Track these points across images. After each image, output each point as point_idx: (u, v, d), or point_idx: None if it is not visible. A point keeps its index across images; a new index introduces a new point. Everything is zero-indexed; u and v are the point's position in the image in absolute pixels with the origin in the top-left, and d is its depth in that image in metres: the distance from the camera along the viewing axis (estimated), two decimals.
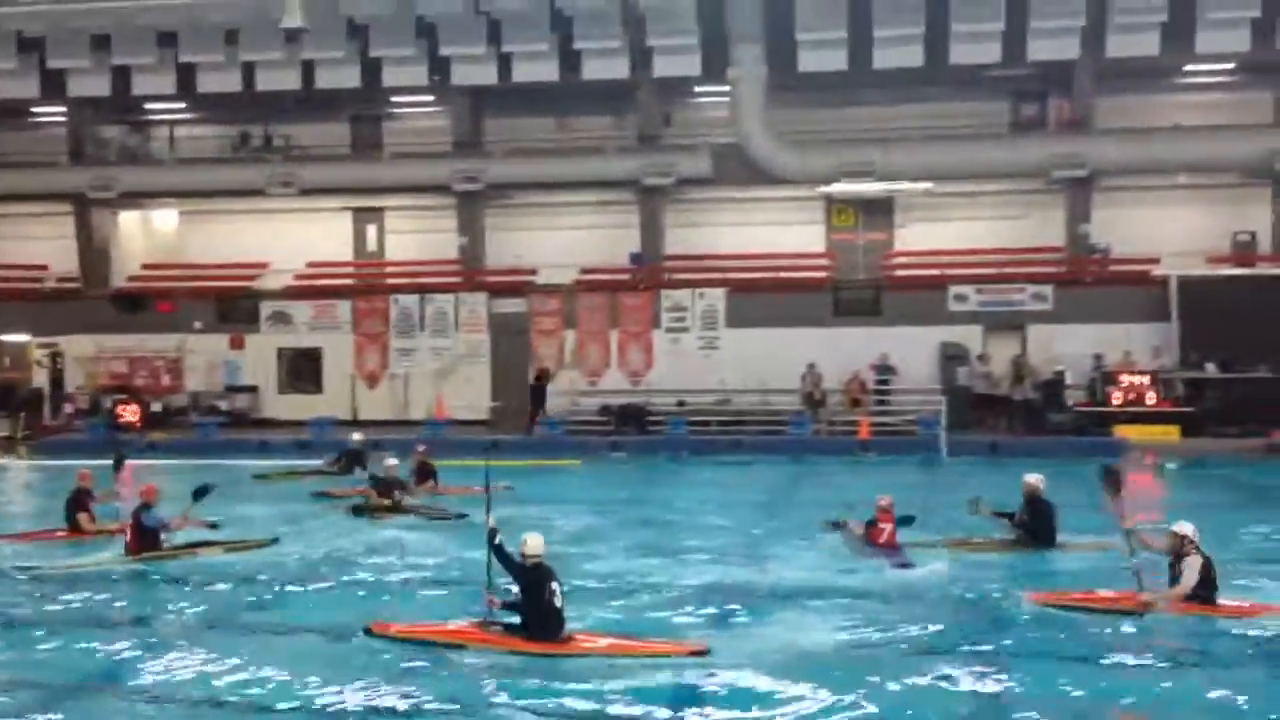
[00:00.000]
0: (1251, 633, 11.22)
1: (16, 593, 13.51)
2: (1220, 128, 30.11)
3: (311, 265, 33.97)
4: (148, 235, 36.28)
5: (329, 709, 9.50)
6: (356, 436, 23.81)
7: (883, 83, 30.78)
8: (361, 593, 13.49)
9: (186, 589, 13.55)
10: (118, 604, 13.09)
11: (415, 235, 34.48)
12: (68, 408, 32.03)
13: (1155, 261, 29.55)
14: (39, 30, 31.44)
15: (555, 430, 28.56)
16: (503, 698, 9.65)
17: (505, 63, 31.29)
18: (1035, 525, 15.05)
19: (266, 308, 32.63)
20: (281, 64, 31.58)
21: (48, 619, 12.27)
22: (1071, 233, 30.73)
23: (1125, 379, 27.62)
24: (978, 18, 28.89)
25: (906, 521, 15.00)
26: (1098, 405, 27.61)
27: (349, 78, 31.80)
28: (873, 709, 9.30)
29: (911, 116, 31.35)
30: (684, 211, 32.93)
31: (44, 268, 34.83)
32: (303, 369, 32.44)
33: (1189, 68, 30.37)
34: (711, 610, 12.39)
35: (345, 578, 14.17)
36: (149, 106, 34.93)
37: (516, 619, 10.88)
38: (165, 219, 36.32)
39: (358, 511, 18.29)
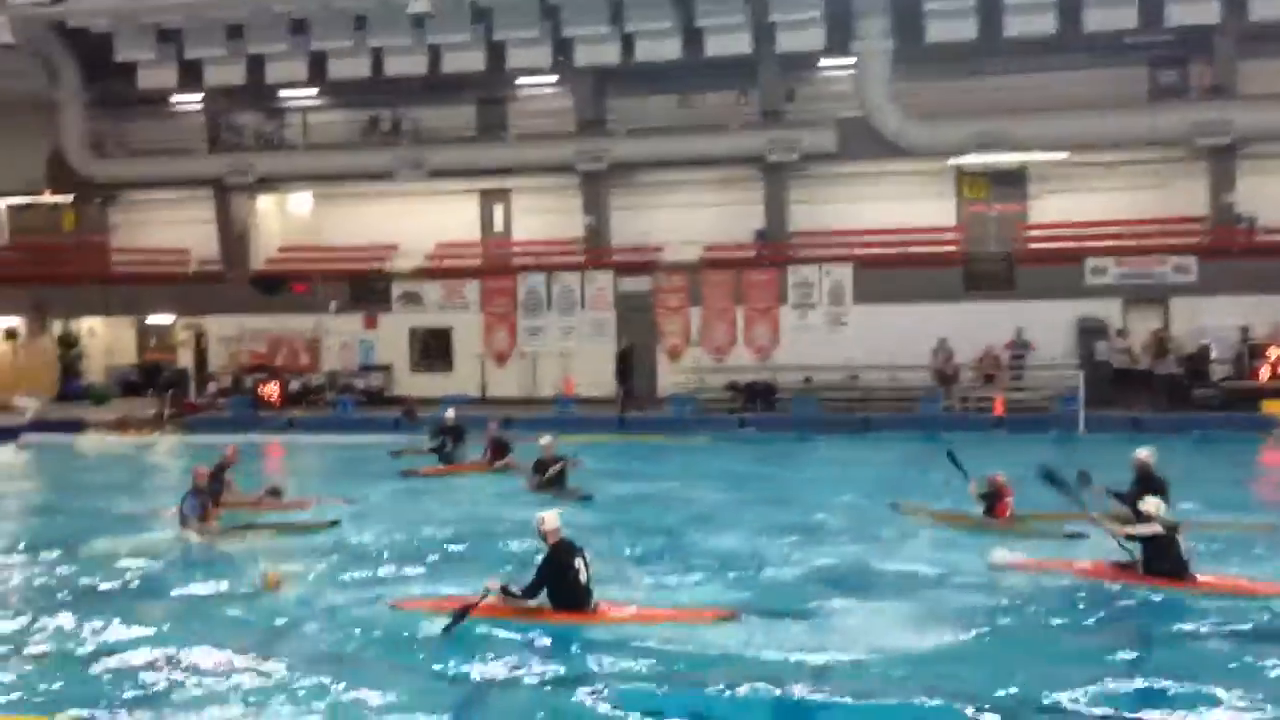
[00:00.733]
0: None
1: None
2: None
3: (440, 246, 34.53)
4: (284, 219, 37.28)
5: (357, 684, 9.47)
6: (450, 413, 23.73)
7: (1014, 51, 30.11)
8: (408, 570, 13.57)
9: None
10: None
11: (541, 215, 34.79)
12: (211, 386, 33.06)
13: None
14: (177, 22, 32.36)
15: (682, 407, 28.58)
16: (533, 667, 9.81)
17: (628, 42, 31.31)
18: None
19: (398, 288, 33.25)
20: (409, 49, 32.05)
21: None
22: (1215, 202, 29.70)
23: (1274, 352, 26.64)
24: None
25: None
26: (1244, 380, 26.69)
27: (474, 61, 32.13)
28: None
29: (1044, 85, 30.53)
30: (809, 187, 32.62)
31: (187, 251, 35.95)
32: (433, 348, 33.00)
33: None
34: (826, 590, 12.18)
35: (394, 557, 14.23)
36: (282, 94, 35.77)
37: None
38: (300, 203, 37.25)
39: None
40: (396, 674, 9.80)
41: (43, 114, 34.98)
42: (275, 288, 33.96)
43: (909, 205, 31.82)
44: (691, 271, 31.48)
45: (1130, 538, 12.12)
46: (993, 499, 15.09)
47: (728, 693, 9.12)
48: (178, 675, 9.85)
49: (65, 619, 11.45)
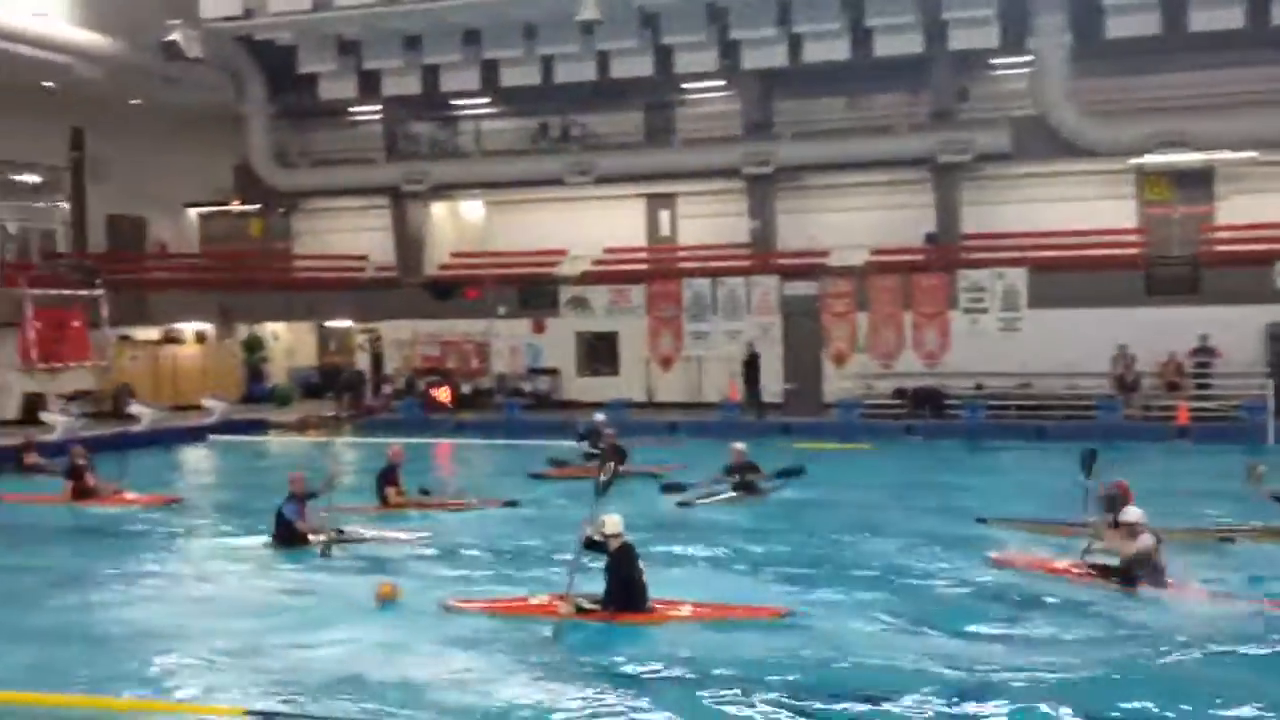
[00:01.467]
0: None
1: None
2: None
3: (608, 251, 34.84)
4: (456, 225, 38.16)
5: (410, 683, 9.53)
6: (600, 417, 23.95)
7: (1199, 46, 28.79)
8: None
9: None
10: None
11: (707, 219, 34.79)
12: (386, 389, 33.99)
13: None
14: (357, 34, 33.39)
15: (849, 413, 28.20)
16: (592, 664, 9.87)
17: (796, 44, 31.07)
18: None
19: (565, 293, 33.64)
20: (578, 56, 32.43)
21: None
22: None
23: None
24: None
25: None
26: None
27: (642, 66, 32.32)
28: None
29: (1231, 81, 29.17)
30: (981, 189, 31.85)
31: (364, 258, 37.08)
32: (600, 352, 33.28)
33: None
34: (986, 609, 11.75)
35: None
36: (456, 102, 36.60)
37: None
38: (472, 209, 38.08)
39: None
40: (446, 675, 9.85)
41: (231, 126, 36.55)
42: (447, 293, 34.74)
43: (1087, 207, 30.78)
44: (859, 275, 31.05)
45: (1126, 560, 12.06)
46: (1117, 506, 14.28)
47: (780, 693, 9.15)
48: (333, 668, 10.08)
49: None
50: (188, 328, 35.75)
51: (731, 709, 8.93)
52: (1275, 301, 27.41)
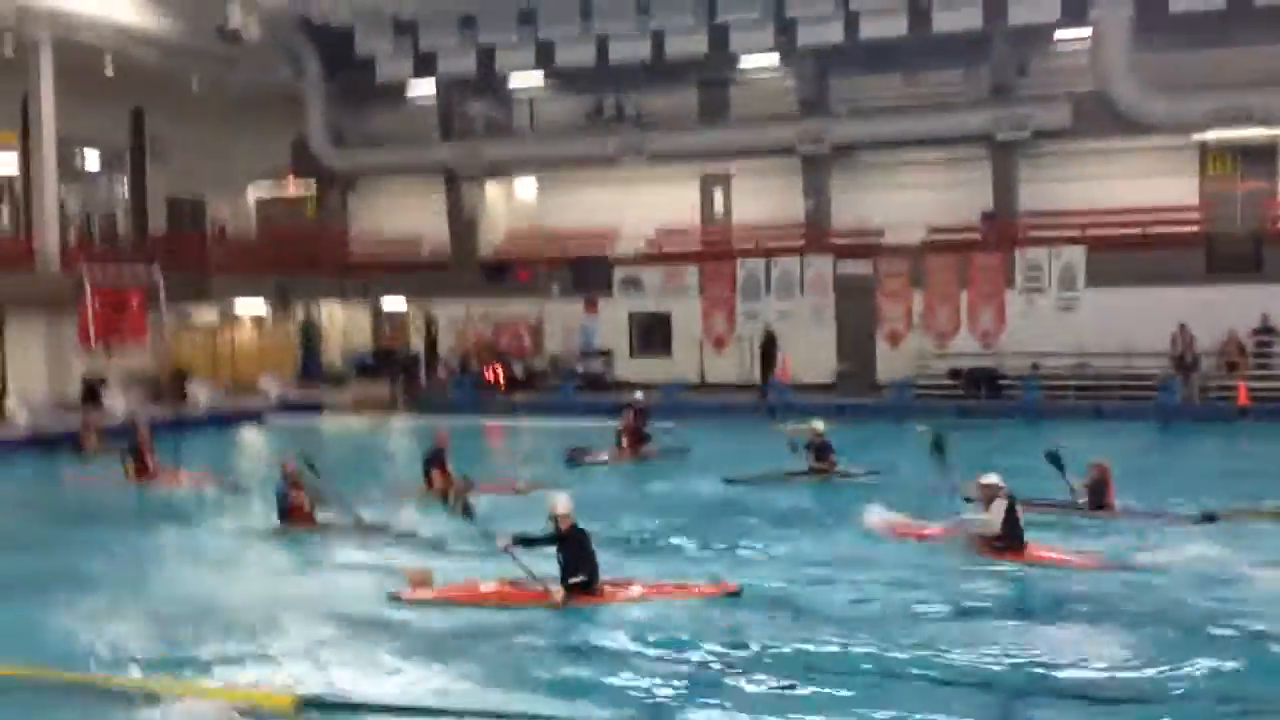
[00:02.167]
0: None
1: None
2: None
3: (661, 231, 34.75)
4: (510, 205, 38.23)
5: (361, 676, 9.54)
6: (638, 396, 24.09)
7: (1265, 20, 28.17)
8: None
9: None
10: None
11: (761, 198, 34.58)
12: (440, 370, 34.18)
13: None
14: (412, 14, 33.52)
15: (903, 393, 27.99)
16: (545, 648, 10.02)
17: (852, 20, 30.78)
18: None
19: (619, 273, 33.63)
20: (633, 34, 32.34)
21: None
22: None
23: None
24: None
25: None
26: None
27: (697, 44, 32.17)
28: None
29: None
30: (1040, 166, 31.40)
31: (419, 238, 37.26)
32: (653, 333, 33.26)
33: None
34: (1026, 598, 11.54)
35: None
36: (511, 82, 36.62)
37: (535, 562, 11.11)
38: (526, 189, 38.12)
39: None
40: (401, 660, 9.91)
41: (288, 106, 36.81)
42: (501, 273, 34.84)
43: (1147, 183, 30.18)
44: (914, 255, 30.75)
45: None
46: (1099, 488, 14.76)
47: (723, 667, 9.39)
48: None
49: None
50: (245, 309, 36.18)
51: (683, 686, 9.11)
52: None
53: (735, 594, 11.10)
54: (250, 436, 27.14)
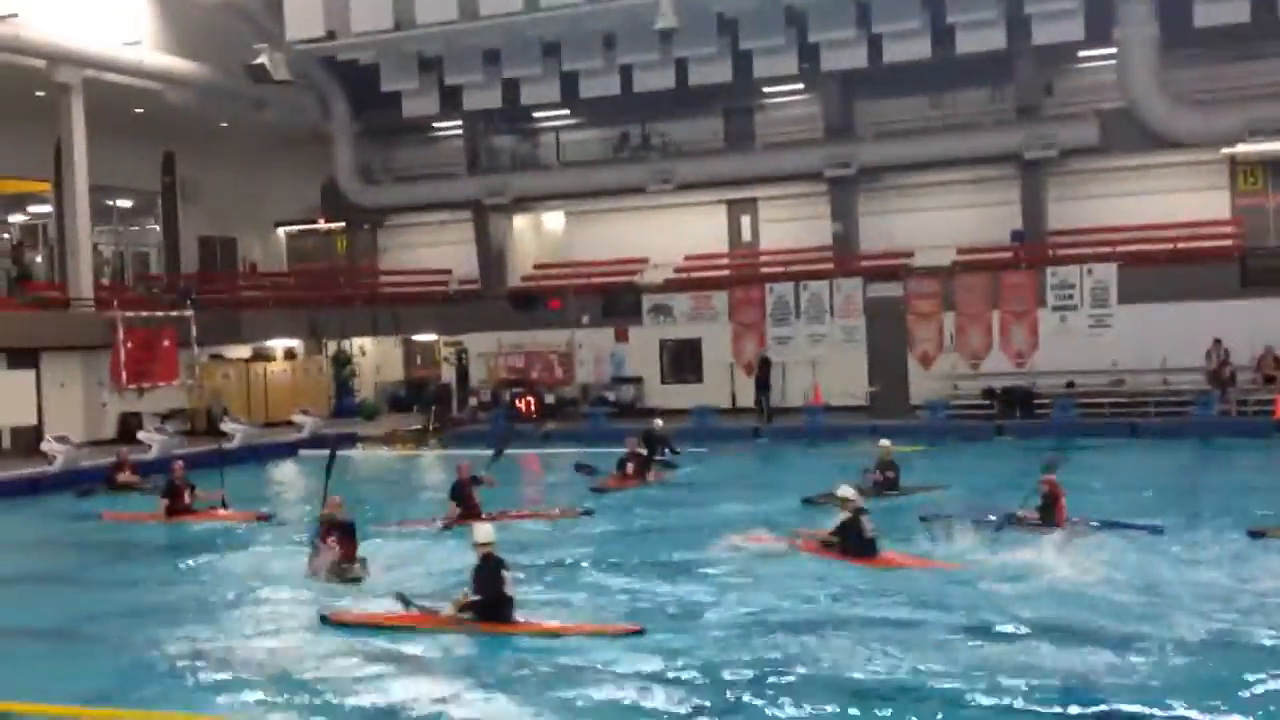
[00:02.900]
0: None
1: None
2: None
3: (689, 258, 34.80)
4: (538, 237, 38.41)
5: (286, 701, 9.64)
6: (658, 423, 24.47)
7: None
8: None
9: None
10: None
11: (788, 223, 34.65)
12: (472, 401, 34.26)
13: None
14: (438, 50, 33.72)
15: (936, 414, 27.82)
16: (457, 677, 10.07)
17: (876, 44, 30.73)
18: None
19: (648, 301, 33.66)
20: (657, 64, 32.38)
21: None
22: None
23: None
24: None
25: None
26: None
27: (721, 72, 32.20)
28: None
29: None
30: (1068, 184, 31.32)
31: (448, 271, 37.44)
32: (684, 359, 33.25)
33: None
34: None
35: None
36: (536, 115, 36.84)
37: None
38: (554, 220, 38.29)
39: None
40: (320, 686, 9.96)
41: (317, 146, 37.17)
42: (530, 304, 34.94)
43: (1178, 199, 30.10)
44: (944, 275, 30.64)
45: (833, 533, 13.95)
46: (1050, 502, 14.99)
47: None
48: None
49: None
50: (278, 345, 36.42)
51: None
52: None
53: (638, 633, 11.02)
54: (284, 470, 27.22)
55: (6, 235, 33.77)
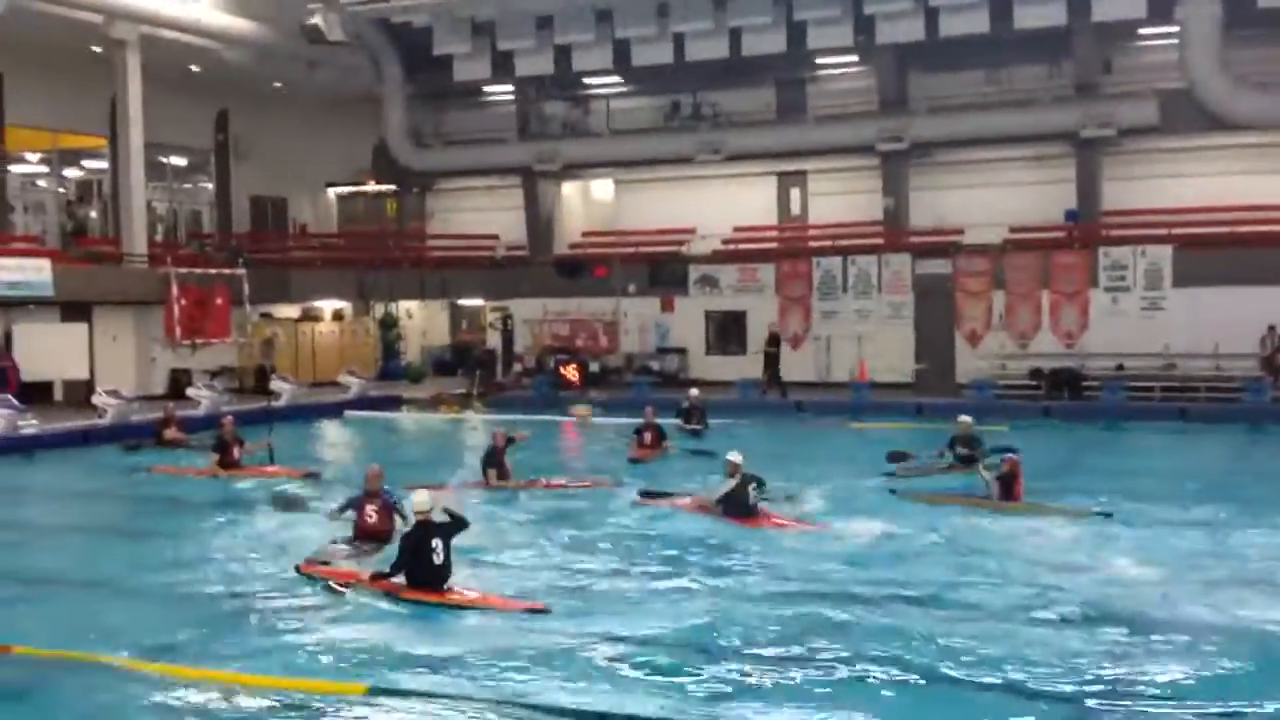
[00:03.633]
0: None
1: None
2: None
3: (737, 230, 34.64)
4: (586, 204, 38.38)
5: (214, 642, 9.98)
6: (694, 393, 24.40)
7: None
8: None
9: None
10: None
11: (838, 197, 34.38)
12: (517, 367, 34.36)
13: None
14: (490, 15, 33.69)
15: (983, 393, 27.60)
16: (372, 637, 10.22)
17: (932, 17, 30.37)
18: None
19: (694, 272, 33.57)
20: (710, 33, 32.18)
21: None
22: None
23: None
24: None
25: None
26: None
27: (775, 42, 31.96)
28: None
29: None
30: (1124, 164, 30.88)
31: (496, 237, 37.50)
32: (729, 331, 33.17)
33: None
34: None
35: None
36: (587, 82, 36.73)
37: None
38: (602, 188, 38.23)
39: None
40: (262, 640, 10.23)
41: (369, 108, 37.27)
42: (576, 271, 34.94)
43: (1236, 181, 29.53)
44: (995, 254, 30.35)
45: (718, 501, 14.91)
46: (1009, 480, 15.51)
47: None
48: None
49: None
50: (326, 306, 36.69)
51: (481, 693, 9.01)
52: None
53: (542, 611, 10.92)
54: (330, 430, 27.44)
55: (62, 190, 34.15)
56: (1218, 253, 27.95)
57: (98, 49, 29.76)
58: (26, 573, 13.34)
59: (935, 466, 18.17)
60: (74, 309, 28.70)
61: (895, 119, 32.17)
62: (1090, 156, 30.50)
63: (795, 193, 35.38)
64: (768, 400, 28.83)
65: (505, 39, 34.26)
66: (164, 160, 35.67)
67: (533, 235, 36.56)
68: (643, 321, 33.95)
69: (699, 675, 9.23)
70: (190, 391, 27.62)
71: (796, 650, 9.75)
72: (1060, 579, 11.86)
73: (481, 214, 38.28)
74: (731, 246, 34.24)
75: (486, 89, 37.67)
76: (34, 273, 27.44)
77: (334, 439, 26.38)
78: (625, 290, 33.88)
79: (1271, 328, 26.53)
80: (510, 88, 37.03)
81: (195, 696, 8.95)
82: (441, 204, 39.60)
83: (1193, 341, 27.22)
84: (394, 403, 30.88)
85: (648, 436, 21.18)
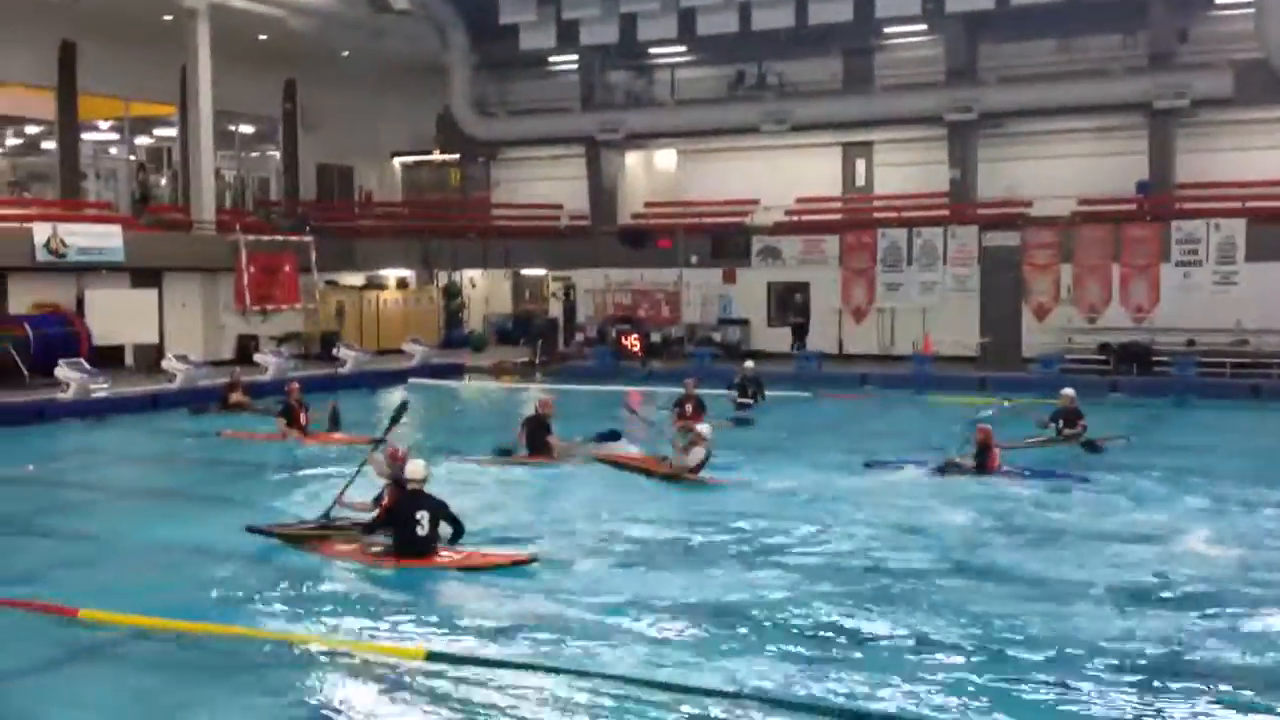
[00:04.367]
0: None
1: None
2: None
3: (801, 201, 34.38)
4: (649, 174, 38.29)
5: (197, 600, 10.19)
6: (749, 365, 24.34)
7: None
8: None
9: None
10: None
11: (904, 168, 34.03)
12: (578, 336, 34.44)
13: None
14: None
15: (1049, 368, 27.24)
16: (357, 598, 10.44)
17: None
18: None
19: (757, 243, 33.41)
20: (776, 2, 31.95)
21: None
22: None
23: None
24: None
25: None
26: None
27: (842, 11, 31.64)
28: None
29: None
30: (1199, 136, 30.27)
31: (559, 206, 37.53)
32: (791, 303, 33.00)
33: None
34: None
35: None
36: (652, 51, 36.59)
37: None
38: (665, 159, 38.11)
39: None
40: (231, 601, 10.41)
41: (434, 77, 37.38)
42: (639, 242, 34.90)
43: None
44: (1064, 226, 29.91)
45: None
46: (983, 452, 15.73)
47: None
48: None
49: None
50: (390, 274, 36.97)
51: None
52: None
53: (529, 562, 11.17)
54: (394, 397, 27.62)
55: (132, 157, 34.63)
56: None
57: (168, 18, 30.06)
58: (96, 535, 13.61)
59: (1038, 440, 17.93)
60: (144, 275, 29.16)
61: (963, 89, 31.75)
62: (1163, 128, 29.93)
63: (860, 163, 35.07)
64: (823, 373, 28.60)
65: (571, 8, 34.21)
66: (232, 128, 36.05)
67: (595, 205, 36.54)
68: (705, 292, 33.85)
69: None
70: (257, 357, 27.99)
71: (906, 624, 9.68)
72: (1131, 551, 11.83)
73: (545, 183, 38.32)
74: (795, 218, 34.00)
75: (551, 58, 37.65)
76: (105, 239, 27.94)
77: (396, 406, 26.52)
78: (688, 261, 33.78)
79: None
80: (575, 57, 36.96)
81: (260, 658, 9.07)
82: (505, 173, 39.68)
83: (1266, 317, 26.71)
84: (456, 371, 31.09)
85: (688, 408, 21.05)
